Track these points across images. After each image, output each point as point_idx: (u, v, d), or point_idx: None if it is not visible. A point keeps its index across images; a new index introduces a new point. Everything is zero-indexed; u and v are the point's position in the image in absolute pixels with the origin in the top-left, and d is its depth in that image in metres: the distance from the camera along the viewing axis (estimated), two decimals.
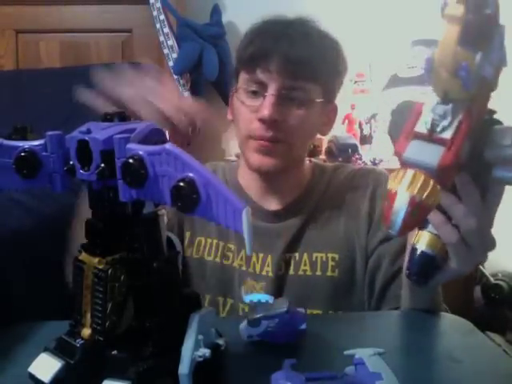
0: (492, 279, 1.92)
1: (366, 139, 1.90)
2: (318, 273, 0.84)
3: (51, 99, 1.72)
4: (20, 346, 0.56)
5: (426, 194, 0.47)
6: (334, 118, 0.93)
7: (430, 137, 0.48)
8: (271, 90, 0.79)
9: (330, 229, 0.86)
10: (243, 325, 0.59)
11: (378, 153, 1.81)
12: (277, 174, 0.84)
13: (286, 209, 0.89)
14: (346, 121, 1.91)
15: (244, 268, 0.86)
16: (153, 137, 0.42)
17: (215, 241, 0.88)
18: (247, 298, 0.60)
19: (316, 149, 1.75)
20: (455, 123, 0.47)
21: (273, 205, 0.89)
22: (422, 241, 0.57)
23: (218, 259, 0.88)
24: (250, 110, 0.82)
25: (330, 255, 0.85)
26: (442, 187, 0.48)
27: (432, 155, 0.47)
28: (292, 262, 0.85)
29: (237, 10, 1.94)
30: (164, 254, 0.45)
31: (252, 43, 0.82)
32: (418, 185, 0.47)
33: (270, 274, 0.85)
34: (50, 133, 0.44)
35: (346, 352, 0.53)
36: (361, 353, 0.50)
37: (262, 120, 0.79)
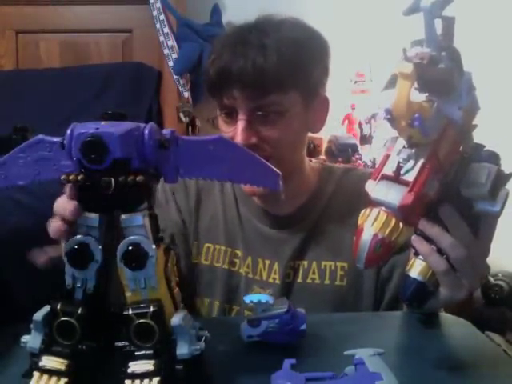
0: (492, 279, 1.92)
1: (366, 139, 1.90)
2: (327, 282, 0.83)
3: (51, 99, 1.72)
4: (20, 346, 0.56)
5: (387, 232, 0.51)
6: (325, 111, 0.87)
7: (396, 178, 0.52)
8: (241, 114, 0.77)
9: (340, 236, 0.84)
10: (243, 325, 0.59)
11: (378, 153, 1.81)
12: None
13: (292, 215, 0.87)
14: (346, 121, 1.91)
15: (251, 275, 0.85)
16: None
17: (223, 247, 0.87)
18: (247, 299, 0.60)
19: (316, 148, 1.75)
20: (418, 166, 0.51)
21: (279, 211, 0.87)
22: (414, 268, 0.59)
23: (225, 266, 0.86)
24: (228, 136, 0.78)
25: (339, 264, 0.83)
26: (408, 224, 0.52)
27: (395, 196, 0.51)
28: (300, 270, 0.84)
29: (237, 10, 1.93)
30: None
31: (210, 66, 0.79)
32: (381, 223, 0.51)
33: (277, 281, 0.84)
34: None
35: (345, 352, 0.53)
36: (361, 353, 0.50)
37: None
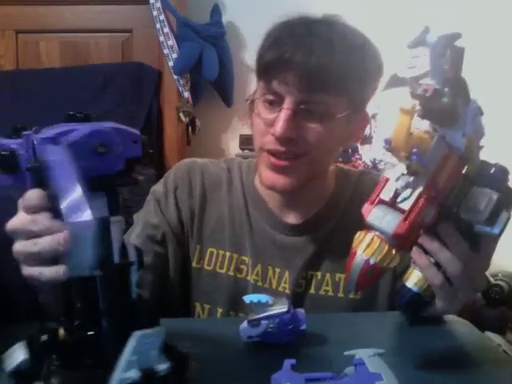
0: (492, 279, 1.92)
1: (366, 139, 1.89)
2: (340, 294, 0.81)
3: (51, 99, 1.72)
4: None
5: (379, 258, 0.51)
6: (363, 127, 0.86)
7: (393, 204, 0.52)
8: (287, 103, 0.73)
9: None
10: (243, 325, 0.59)
11: (378, 153, 1.81)
12: (295, 191, 0.78)
13: (307, 222, 0.83)
14: None
15: (260, 283, 0.82)
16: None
17: (228, 253, 0.84)
18: (247, 299, 0.60)
19: None
20: (415, 195, 0.51)
21: (293, 218, 0.84)
22: (411, 279, 0.60)
23: (231, 272, 0.83)
24: (264, 122, 0.77)
25: None
26: (401, 250, 0.53)
27: (390, 223, 0.51)
28: (313, 281, 0.82)
29: (237, 10, 1.94)
30: (111, 261, 0.44)
31: (269, 50, 0.76)
32: (374, 249, 0.51)
33: (287, 290, 0.81)
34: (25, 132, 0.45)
35: (346, 352, 0.53)
36: (361, 353, 0.50)
37: (274, 136, 0.74)
